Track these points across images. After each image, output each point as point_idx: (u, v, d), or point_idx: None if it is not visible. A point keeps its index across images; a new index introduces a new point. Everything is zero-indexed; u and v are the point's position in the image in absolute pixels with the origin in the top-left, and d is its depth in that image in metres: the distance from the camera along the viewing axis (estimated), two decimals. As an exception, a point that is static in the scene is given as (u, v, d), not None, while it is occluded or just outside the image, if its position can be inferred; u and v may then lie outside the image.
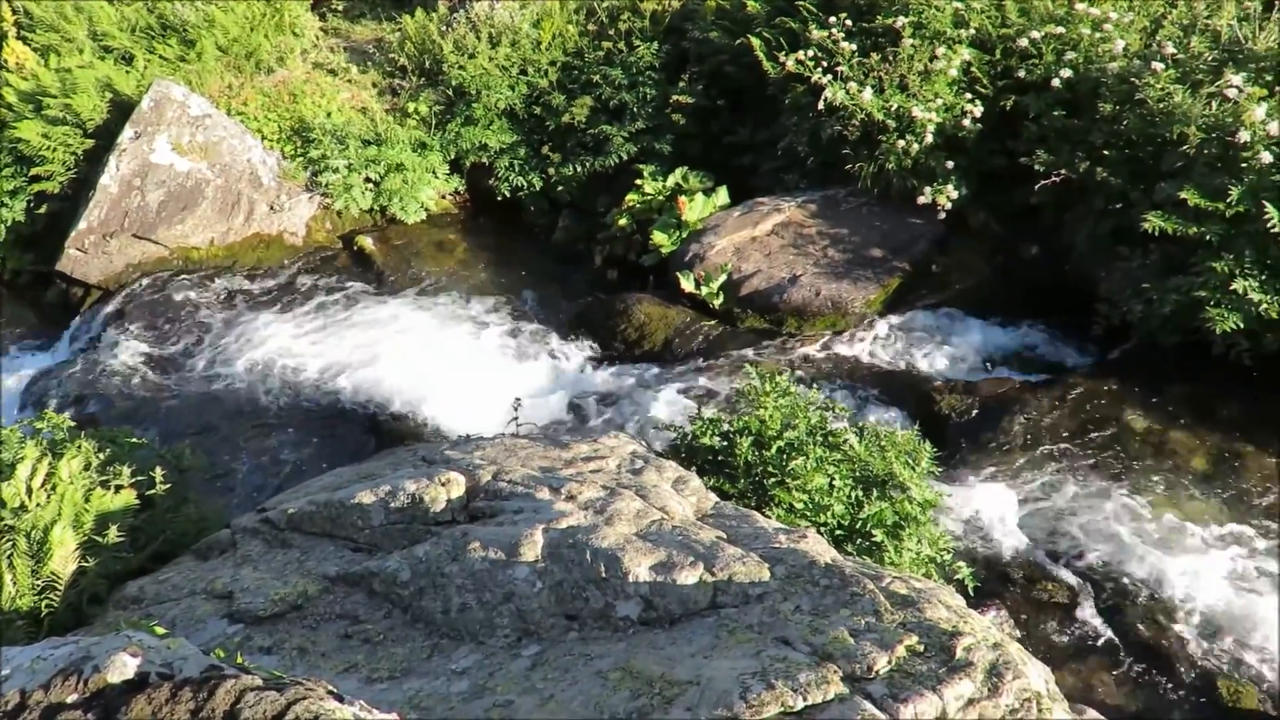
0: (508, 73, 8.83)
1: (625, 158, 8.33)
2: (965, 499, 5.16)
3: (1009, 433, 5.57)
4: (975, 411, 5.74)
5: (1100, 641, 4.45)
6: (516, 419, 5.00)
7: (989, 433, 5.58)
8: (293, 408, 6.79)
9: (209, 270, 8.16)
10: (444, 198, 9.17)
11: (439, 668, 2.81)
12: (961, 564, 3.92)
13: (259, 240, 8.47)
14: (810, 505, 3.81)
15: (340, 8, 10.94)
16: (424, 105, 8.90)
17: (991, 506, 5.09)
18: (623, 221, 8.01)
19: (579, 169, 8.51)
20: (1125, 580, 4.68)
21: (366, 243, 8.58)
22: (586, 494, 3.39)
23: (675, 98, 8.32)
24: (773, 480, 3.89)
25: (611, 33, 8.90)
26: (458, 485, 3.54)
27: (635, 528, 3.14)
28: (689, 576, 2.82)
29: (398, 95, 9.18)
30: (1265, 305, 5.26)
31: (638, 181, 8.07)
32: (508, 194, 8.82)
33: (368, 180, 8.70)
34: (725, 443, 4.16)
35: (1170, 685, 4.22)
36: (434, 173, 8.88)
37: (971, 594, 3.90)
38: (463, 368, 6.92)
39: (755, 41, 7.78)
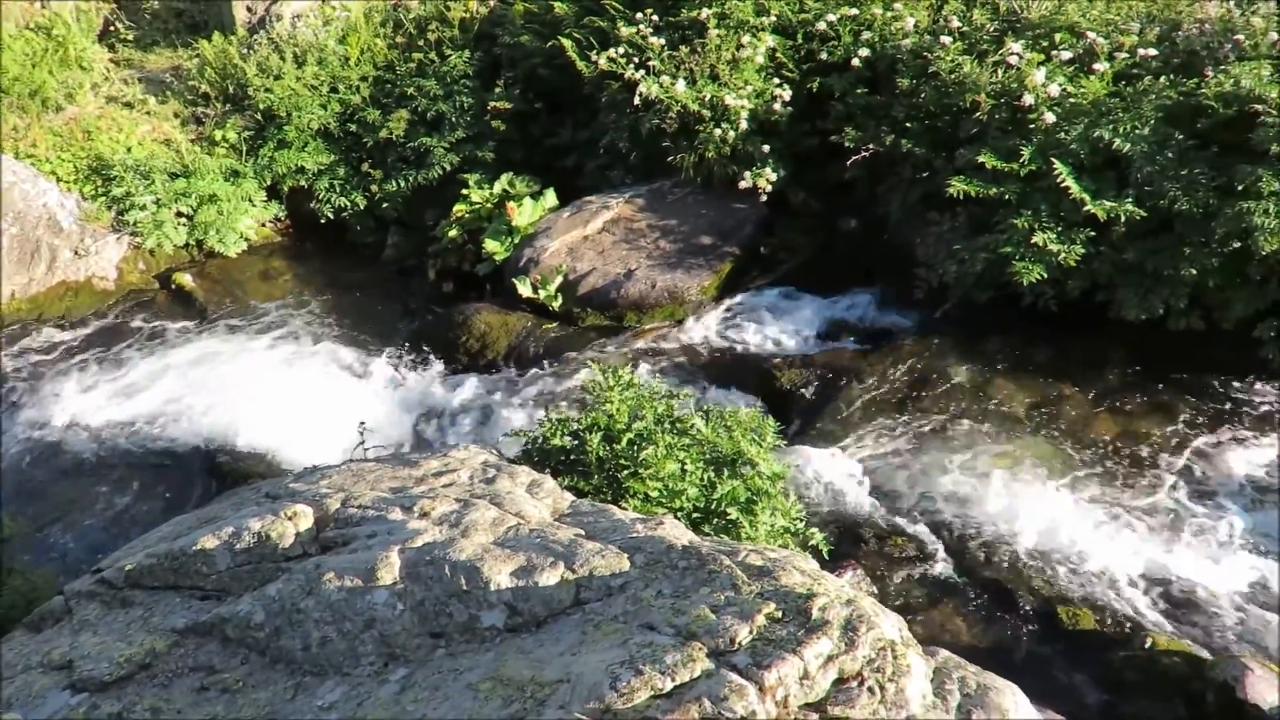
0: (318, 92, 8.60)
1: (449, 168, 8.24)
2: (813, 467, 5.34)
3: (848, 399, 5.80)
4: (815, 383, 5.95)
5: (950, 586, 4.68)
6: (363, 443, 4.89)
7: (829, 402, 5.79)
8: (123, 460, 6.43)
9: (13, 326, 7.64)
10: (264, 225, 8.86)
11: (305, 706, 2.73)
12: (815, 530, 4.06)
13: (66, 289, 7.99)
14: (665, 492, 3.87)
15: (130, 37, 10.40)
16: (232, 132, 8.57)
17: (838, 471, 5.29)
18: (453, 233, 7.93)
19: (402, 184, 8.36)
20: (967, 525, 4.95)
21: (185, 280, 8.21)
22: (440, 509, 3.34)
23: (493, 104, 8.28)
24: (626, 472, 3.93)
25: (421, 43, 8.79)
26: (305, 517, 3.43)
27: (493, 536, 3.13)
28: (550, 577, 2.82)
29: (203, 124, 8.81)
30: (1063, 254, 5.64)
31: (464, 191, 8.00)
32: (331, 215, 8.60)
33: (180, 215, 8.32)
34: (576, 441, 4.17)
35: (1015, 618, 4.49)
36: (250, 201, 8.56)
37: (826, 557, 4.05)
38: (303, 398, 6.70)
39: (566, 43, 7.82)
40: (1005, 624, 4.46)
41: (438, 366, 7.00)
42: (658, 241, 7.22)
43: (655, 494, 3.88)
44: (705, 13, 7.26)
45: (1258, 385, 5.85)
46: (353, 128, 8.59)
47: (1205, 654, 4.14)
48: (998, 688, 2.52)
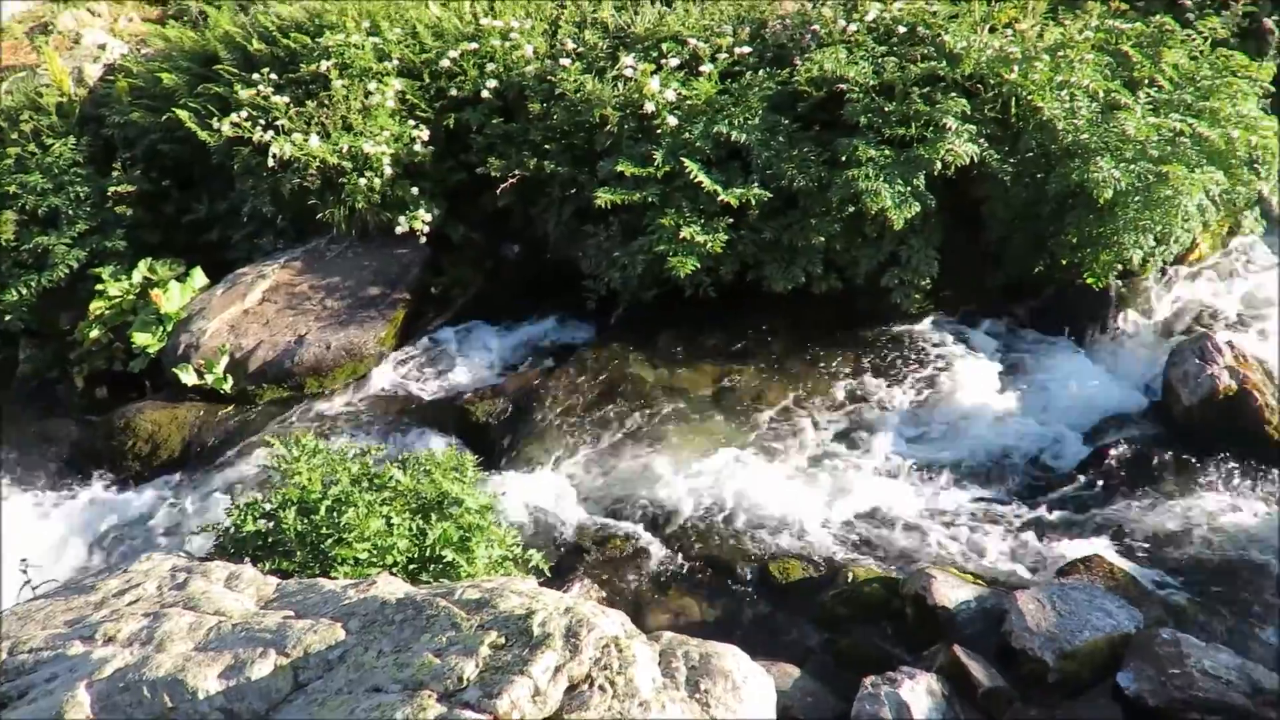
0: (-103, 207, 7.58)
1: (75, 266, 7.52)
2: (524, 491, 5.39)
3: (544, 419, 5.90)
4: (509, 410, 6.01)
5: (671, 572, 4.89)
6: (29, 582, 4.37)
7: (527, 425, 5.87)
8: None
9: None
10: None
11: None
12: (533, 552, 4.10)
13: None
14: (375, 550, 3.77)
15: None
16: None
17: (548, 489, 5.38)
18: (95, 333, 7.25)
19: (24, 291, 7.54)
20: (676, 511, 5.19)
21: None
22: (128, 629, 3.06)
23: (113, 189, 7.66)
24: (330, 541, 3.79)
25: (15, 136, 7.98)
26: (-34, 679, 3.02)
27: (193, 642, 2.91)
28: (263, 668, 2.67)
29: None
30: (710, 244, 6.05)
31: (99, 286, 7.33)
32: (-58, 341, 7.61)
33: None
34: (271, 522, 3.96)
35: (734, 585, 4.76)
36: None
37: (549, 574, 4.11)
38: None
39: (183, 114, 7.40)
40: (726, 593, 4.73)
41: (107, 478, 6.38)
42: (324, 301, 7.00)
43: (365, 555, 3.76)
44: (325, 65, 7.13)
45: (895, 327, 6.58)
46: (-50, 240, 7.66)
47: (895, 573, 4.60)
48: (719, 653, 2.67)
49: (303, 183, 7.01)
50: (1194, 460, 5.14)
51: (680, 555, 4.96)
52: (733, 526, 5.06)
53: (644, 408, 5.97)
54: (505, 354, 6.78)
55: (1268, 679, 3.73)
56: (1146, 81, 6.31)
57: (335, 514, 3.82)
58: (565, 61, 6.92)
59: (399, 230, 7.04)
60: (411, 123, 7.18)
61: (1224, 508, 4.92)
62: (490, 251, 7.55)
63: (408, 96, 7.23)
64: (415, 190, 7.09)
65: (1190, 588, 4.45)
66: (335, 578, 3.59)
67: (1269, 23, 6.71)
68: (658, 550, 5.01)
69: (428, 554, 3.88)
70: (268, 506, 4.04)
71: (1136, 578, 4.41)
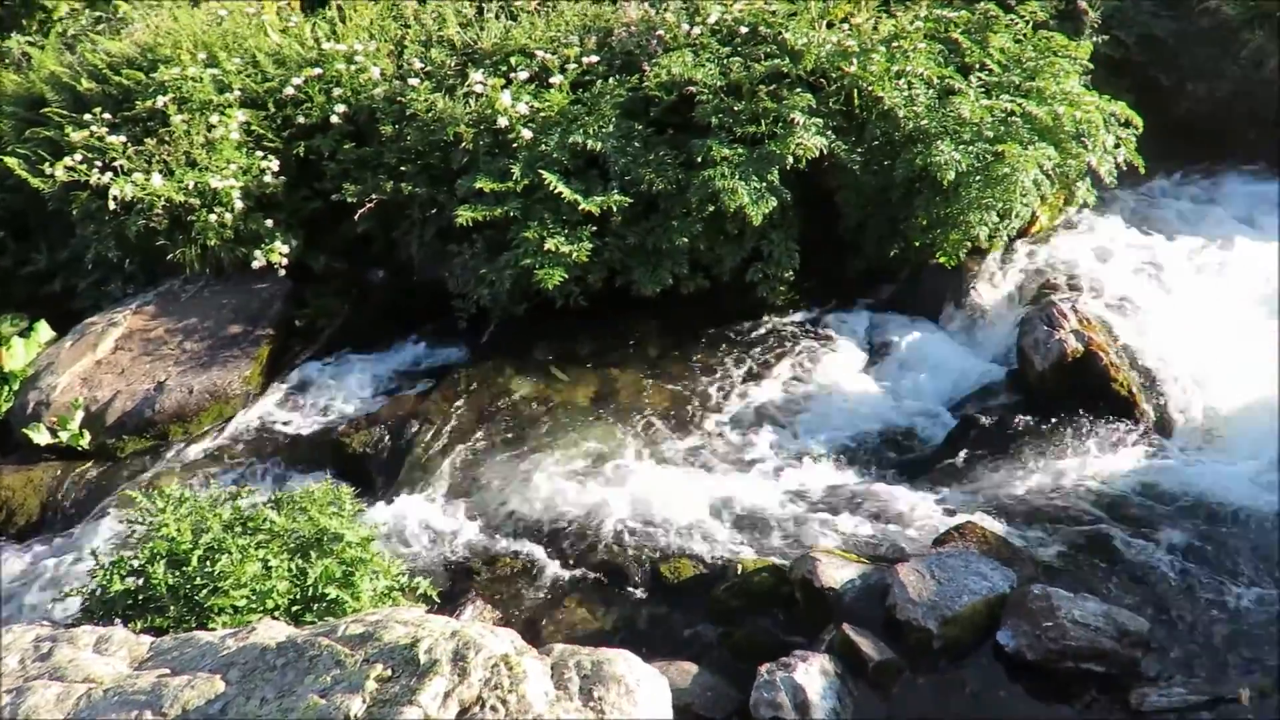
0: None
1: (-95, 330, 7.07)
2: (408, 518, 5.30)
3: (423, 443, 5.81)
4: (387, 438, 5.89)
5: (564, 584, 4.87)
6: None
7: (406, 451, 5.77)
8: None
9: None
10: None
11: None
12: (420, 579, 4.03)
13: None
14: (254, 596, 3.64)
15: None
16: None
17: (433, 514, 5.29)
18: (-67, 400, 6.82)
19: None
20: (564, 522, 5.17)
21: None
22: (-12, 709, 2.89)
23: (-60, 245, 7.24)
24: (205, 591, 3.65)
25: None
26: None
27: (61, 715, 2.77)
28: (139, 731, 2.56)
29: None
30: (575, 254, 6.06)
31: (-67, 350, 6.91)
32: None
33: None
34: (140, 579, 3.79)
35: (629, 588, 4.78)
36: None
37: (438, 600, 4.05)
38: None
39: (11, 161, 7.03)
40: (620, 599, 4.74)
41: (-41, 553, 6.00)
42: (183, 345, 6.74)
43: (244, 602, 3.64)
44: (162, 100, 6.88)
45: (764, 321, 6.72)
46: None
47: (781, 560, 4.69)
48: (611, 659, 2.68)
49: (149, 224, 6.74)
50: (1051, 422, 5.39)
51: (572, 566, 4.95)
52: (622, 532, 5.08)
53: (524, 422, 5.94)
54: (378, 382, 6.64)
55: (1132, 621, 3.95)
56: (977, 66, 6.61)
57: (208, 563, 3.68)
58: (414, 81, 6.85)
59: (256, 265, 6.84)
60: (260, 154, 6.98)
61: (1082, 463, 5.18)
62: (354, 279, 7.41)
63: (253, 127, 7.03)
64: (269, 222, 6.89)
65: (1057, 543, 4.67)
66: (213, 628, 3.47)
67: (1083, 4, 7.12)
68: (549, 563, 4.99)
69: (310, 593, 3.78)
70: (135, 563, 3.87)
71: (1008, 539, 4.60)
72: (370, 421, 6.02)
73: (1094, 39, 6.95)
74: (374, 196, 6.71)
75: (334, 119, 6.92)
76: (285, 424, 6.36)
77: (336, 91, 7.06)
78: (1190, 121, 7.61)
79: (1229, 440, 5.31)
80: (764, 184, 6.00)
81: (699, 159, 6.13)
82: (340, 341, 7.06)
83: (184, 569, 3.69)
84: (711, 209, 6.18)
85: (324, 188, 7.03)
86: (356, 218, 6.74)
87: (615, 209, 6.15)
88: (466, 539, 5.17)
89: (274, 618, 3.51)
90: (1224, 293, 6.22)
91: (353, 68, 7.14)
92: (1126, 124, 6.54)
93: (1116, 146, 6.45)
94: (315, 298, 7.23)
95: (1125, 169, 6.57)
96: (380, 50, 7.36)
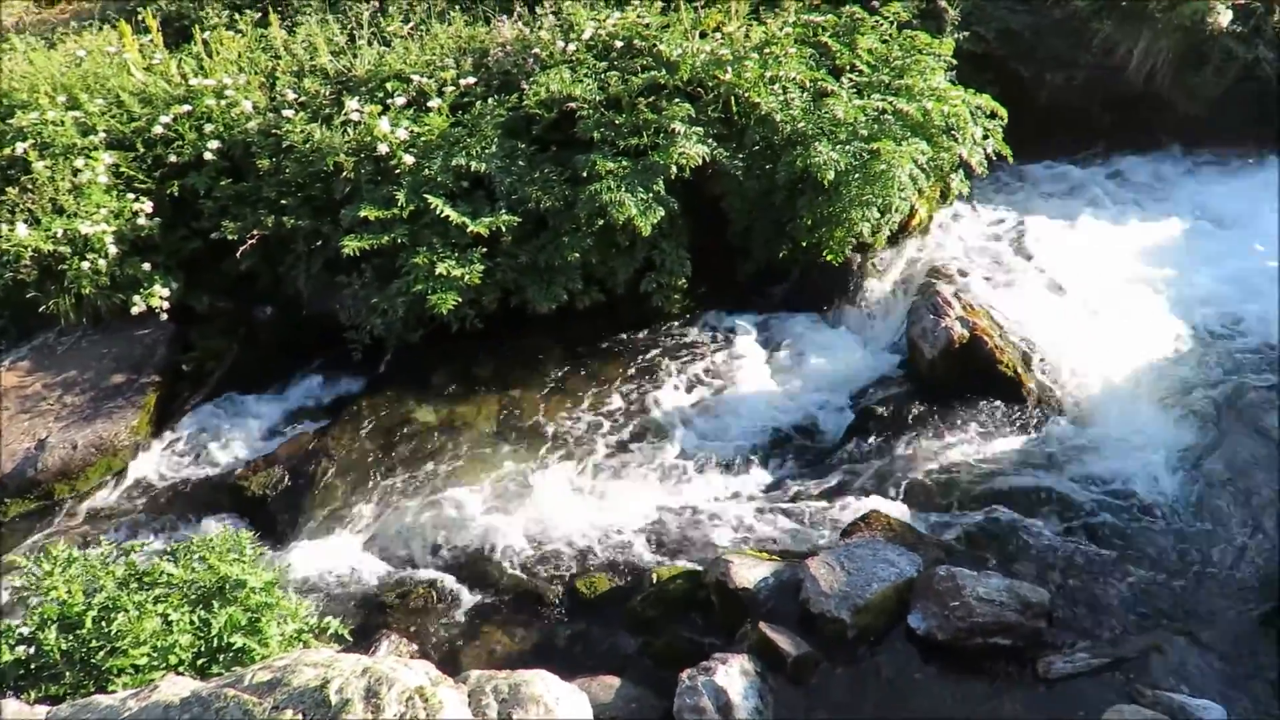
0: None
1: None
2: (315, 558, 5.18)
3: (325, 480, 5.69)
4: (287, 477, 5.74)
5: (481, 609, 4.83)
6: None
7: (307, 489, 5.64)
8: None
9: None
10: None
11: None
12: (330, 619, 3.95)
13: None
14: (155, 653, 3.51)
15: None
16: None
17: (340, 551, 5.19)
18: None
19: None
20: (475, 547, 5.13)
21: None
22: None
23: None
24: (103, 653, 3.50)
25: None
26: None
27: (-48, 798, 2.62)
28: (38, 806, 2.44)
29: None
30: (467, 276, 6.01)
31: None
32: None
33: None
34: (31, 646, 3.62)
35: (546, 607, 4.76)
36: None
37: (350, 639, 3.96)
38: None
39: None
40: (538, 619, 4.71)
41: None
42: (64, 399, 6.46)
43: (145, 660, 3.50)
44: (21, 147, 6.60)
45: (661, 329, 6.77)
46: None
47: (697, 566, 4.73)
48: (527, 679, 2.67)
49: (16, 276, 6.44)
50: (944, 407, 5.57)
51: (486, 590, 4.91)
52: (535, 552, 5.06)
53: (427, 450, 5.86)
54: (274, 420, 6.47)
55: (1034, 593, 4.09)
56: (848, 67, 6.79)
57: (103, 623, 3.54)
58: (289, 113, 6.71)
59: (136, 310, 6.59)
60: (131, 196, 6.74)
61: (976, 444, 5.36)
62: (241, 317, 7.20)
63: (122, 169, 6.79)
64: (147, 266, 6.66)
65: (958, 524, 4.83)
66: (114, 691, 3.33)
67: (943, 3, 7.38)
68: (463, 590, 4.93)
69: (216, 644, 3.65)
70: (25, 630, 3.69)
71: (912, 525, 4.73)
72: (268, 462, 5.86)
73: (956, 36, 7.21)
74: (255, 232, 6.54)
75: (207, 155, 6.73)
76: (179, 472, 6.15)
77: (208, 127, 6.87)
78: (1051, 109, 7.95)
79: (1107, 411, 5.55)
80: (650, 195, 6.05)
81: (584, 174, 6.16)
82: (232, 382, 6.85)
83: (77, 632, 3.54)
84: (601, 223, 6.20)
85: (202, 226, 6.83)
86: (239, 255, 6.56)
87: (504, 229, 6.13)
88: (376, 573, 5.07)
89: (178, 673, 3.39)
90: (1097, 270, 6.51)
91: (224, 102, 6.95)
92: (992, 115, 6.80)
93: (985, 138, 6.70)
94: (201, 339, 7.01)
95: (995, 159, 6.82)
96: (251, 83, 7.20)
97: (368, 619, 4.83)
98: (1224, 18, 7.08)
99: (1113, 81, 7.80)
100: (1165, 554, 4.55)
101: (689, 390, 6.21)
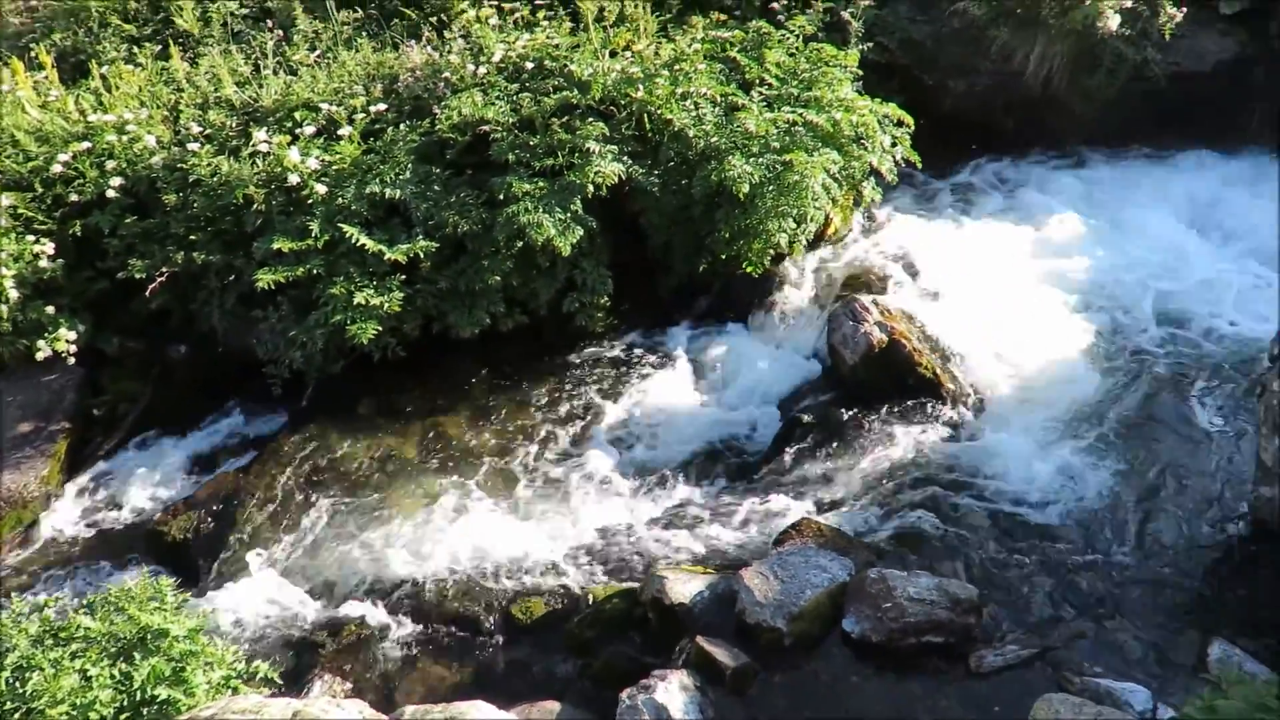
0: None
1: None
2: (243, 601, 5.04)
3: (249, 519, 5.55)
4: (209, 520, 5.59)
5: (417, 641, 4.76)
6: None
7: (230, 530, 5.49)
8: None
9: None
10: None
11: None
12: (259, 663, 3.85)
13: None
14: (74, 710, 3.39)
15: None
16: None
17: (269, 592, 5.06)
18: None
19: None
20: (410, 578, 5.05)
21: None
22: None
23: None
24: (19, 715, 3.37)
25: None
26: None
27: None
28: None
29: None
30: (386, 304, 5.93)
31: None
32: None
33: None
34: (-60, 715, 3.47)
35: (482, 635, 4.73)
36: None
37: (281, 681, 3.87)
38: None
39: None
40: (474, 648, 4.66)
41: None
42: (-33, 451, 6.21)
43: (64, 718, 3.37)
44: (-89, 192, 6.36)
45: (586, 349, 6.76)
46: None
47: (632, 583, 4.72)
48: (463, 711, 2.63)
49: (-89, 325, 6.19)
50: (867, 411, 5.66)
51: (421, 622, 4.83)
52: (468, 580, 5.00)
53: (354, 482, 5.76)
54: (194, 462, 6.30)
55: (963, 590, 4.17)
56: (757, 81, 6.88)
57: (18, 683, 3.41)
58: (194, 146, 6.56)
59: (41, 356, 6.35)
60: (31, 238, 6.50)
61: (900, 446, 5.45)
62: (155, 357, 6.98)
63: (20, 210, 6.56)
64: (51, 309, 6.43)
65: (887, 526, 4.90)
66: (31, 754, 3.20)
67: (846, 15, 7.52)
68: (396, 624, 4.85)
69: (139, 697, 3.54)
70: (-70, 699, 3.53)
71: (842, 530, 4.78)
72: (189, 505, 5.70)
73: (860, 47, 7.35)
74: (165, 269, 6.36)
75: (110, 193, 6.53)
76: (94, 521, 5.95)
77: (110, 164, 6.67)
78: (956, 115, 8.15)
79: (1023, 407, 5.69)
80: (568, 214, 6.06)
81: (501, 196, 6.14)
82: (147, 425, 6.66)
83: (-9, 695, 3.40)
84: (520, 244, 6.18)
85: (109, 266, 6.62)
86: (148, 293, 6.38)
87: (423, 255, 6.08)
88: (306, 612, 4.96)
89: (100, 730, 3.28)
90: (1005, 270, 6.69)
91: (125, 138, 6.77)
92: (899, 123, 6.94)
93: (894, 145, 6.83)
94: (113, 382, 6.80)
95: (905, 165, 6.97)
96: (154, 117, 7.02)
97: (299, 660, 4.73)
98: (1113, 21, 7.33)
99: (1012, 87, 8.01)
100: (1084, 544, 4.68)
101: (616, 408, 6.21)
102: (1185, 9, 7.48)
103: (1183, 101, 7.66)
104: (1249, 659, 3.80)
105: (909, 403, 5.68)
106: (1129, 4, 7.39)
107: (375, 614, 4.87)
